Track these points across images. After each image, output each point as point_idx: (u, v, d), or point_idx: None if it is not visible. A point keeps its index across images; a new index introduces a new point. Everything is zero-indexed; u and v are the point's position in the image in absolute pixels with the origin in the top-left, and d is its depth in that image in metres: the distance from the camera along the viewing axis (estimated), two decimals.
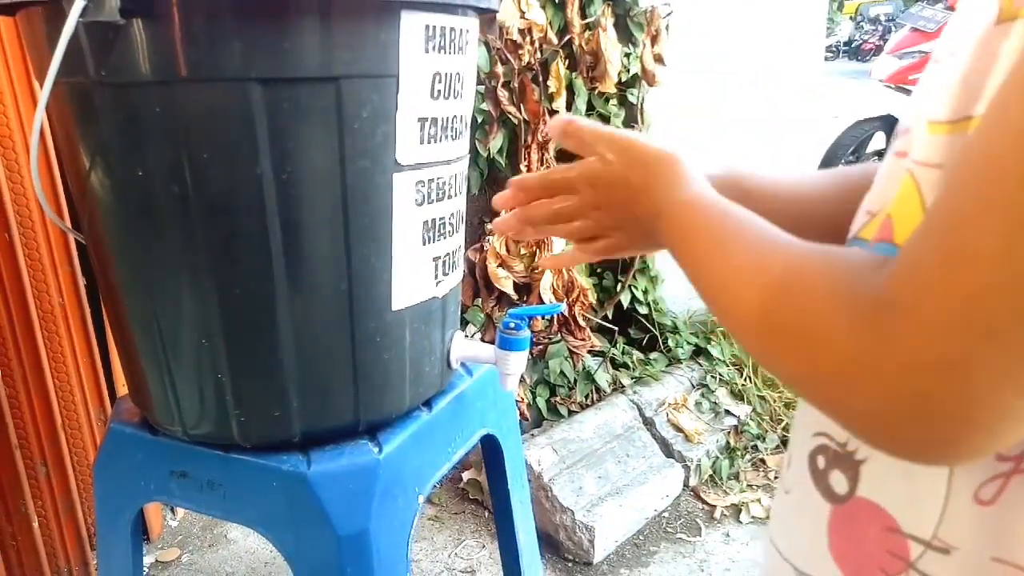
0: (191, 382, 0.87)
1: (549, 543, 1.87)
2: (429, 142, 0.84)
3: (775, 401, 2.37)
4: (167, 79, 0.72)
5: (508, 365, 1.01)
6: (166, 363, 0.87)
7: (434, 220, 0.89)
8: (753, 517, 2.02)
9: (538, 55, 1.88)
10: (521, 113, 1.90)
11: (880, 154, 3.73)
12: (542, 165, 1.97)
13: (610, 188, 0.55)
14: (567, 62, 1.97)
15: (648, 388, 2.27)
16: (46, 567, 1.60)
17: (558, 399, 2.14)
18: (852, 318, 0.34)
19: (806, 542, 0.48)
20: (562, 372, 2.13)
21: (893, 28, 10.72)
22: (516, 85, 1.87)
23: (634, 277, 2.31)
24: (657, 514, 2.03)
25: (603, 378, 2.22)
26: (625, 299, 2.32)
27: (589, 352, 2.20)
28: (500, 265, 1.96)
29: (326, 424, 0.90)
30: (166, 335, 0.86)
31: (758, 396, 2.37)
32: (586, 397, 2.18)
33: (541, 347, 2.13)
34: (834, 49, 13.72)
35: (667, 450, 2.13)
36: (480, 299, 2.01)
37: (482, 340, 1.94)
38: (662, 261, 2.38)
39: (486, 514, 1.99)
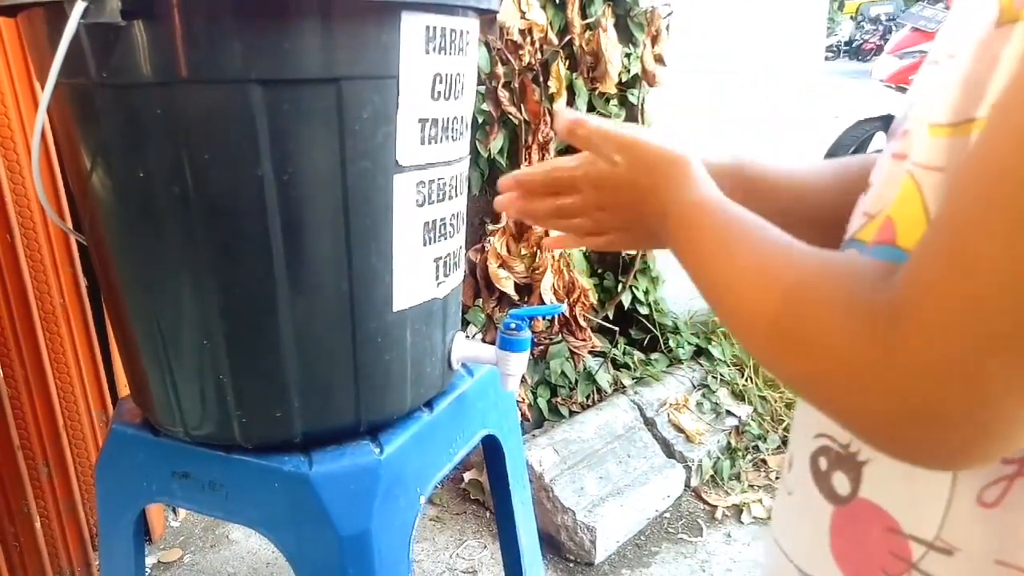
0: (192, 383, 0.88)
1: (550, 543, 1.87)
2: (430, 143, 0.84)
3: (776, 401, 2.37)
4: (168, 80, 0.72)
5: (509, 366, 1.01)
6: (168, 364, 0.87)
7: (435, 221, 0.89)
8: (754, 517, 2.02)
9: (539, 55, 1.88)
10: (522, 113, 1.90)
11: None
12: None
13: (617, 190, 0.55)
14: (567, 62, 1.98)
15: (649, 388, 2.27)
16: (48, 568, 1.60)
17: (559, 399, 2.14)
18: (863, 326, 0.34)
19: (807, 543, 0.48)
20: (563, 372, 2.13)
21: (894, 28, 10.72)
22: (517, 85, 1.87)
23: (635, 278, 2.31)
24: (658, 514, 2.03)
25: (604, 378, 2.22)
26: (626, 299, 2.32)
27: (590, 353, 2.20)
28: (501, 266, 1.96)
29: (327, 425, 0.90)
30: (167, 336, 0.86)
31: (759, 396, 2.37)
32: (587, 397, 2.18)
33: (542, 348, 2.13)
34: (835, 49, 13.72)
35: (668, 450, 2.13)
36: (481, 299, 2.01)
37: (483, 341, 1.94)
38: (663, 262, 2.38)
39: (487, 514, 1.99)
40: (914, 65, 5.00)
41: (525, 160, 1.95)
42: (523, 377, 1.58)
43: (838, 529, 0.45)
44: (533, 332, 1.91)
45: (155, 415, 0.95)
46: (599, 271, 2.32)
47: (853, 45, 13.89)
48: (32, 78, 1.41)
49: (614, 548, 1.89)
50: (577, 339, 2.15)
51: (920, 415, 0.32)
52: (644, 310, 2.37)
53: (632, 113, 2.14)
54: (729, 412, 2.29)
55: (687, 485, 2.12)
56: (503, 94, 1.85)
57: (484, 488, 2.01)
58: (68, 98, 0.79)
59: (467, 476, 2.06)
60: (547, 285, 2.01)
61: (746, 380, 2.39)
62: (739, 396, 2.36)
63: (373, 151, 0.79)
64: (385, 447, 0.91)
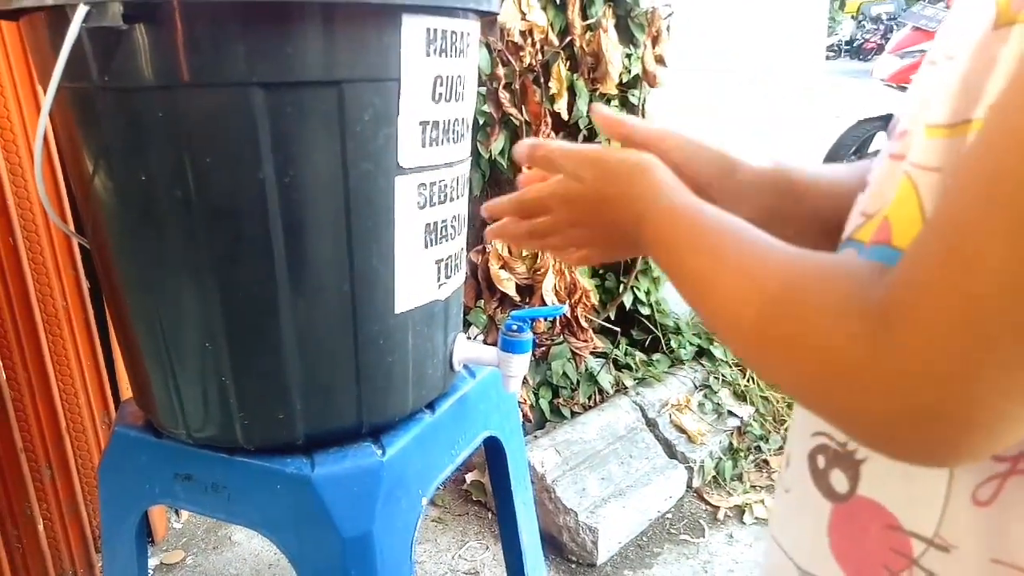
0: (195, 385, 0.88)
1: (552, 544, 1.87)
2: (431, 145, 0.84)
3: (778, 402, 2.37)
4: (170, 84, 0.72)
5: (511, 367, 1.01)
6: (170, 366, 0.87)
7: (436, 223, 0.89)
8: (757, 518, 2.02)
9: (539, 57, 1.88)
10: (523, 115, 1.90)
11: None
12: None
13: (587, 204, 0.55)
14: (568, 63, 1.98)
15: (651, 389, 2.27)
16: (51, 569, 1.60)
17: (561, 400, 2.14)
18: (856, 326, 0.34)
19: (808, 541, 0.48)
20: (565, 373, 2.13)
21: (895, 27, 10.71)
22: (517, 87, 1.87)
23: (636, 278, 2.31)
24: (660, 515, 2.02)
25: (606, 379, 2.22)
26: (627, 300, 2.32)
27: (592, 353, 2.20)
28: (502, 267, 1.97)
29: (329, 426, 0.90)
30: (170, 338, 0.86)
31: (761, 397, 2.37)
32: (589, 398, 2.18)
33: (544, 349, 2.13)
34: (836, 48, 13.71)
35: (670, 451, 2.13)
36: (482, 301, 2.01)
37: (485, 342, 1.94)
38: None
39: (489, 516, 1.99)
40: (915, 64, 5.00)
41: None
42: (525, 378, 1.58)
43: (837, 527, 0.45)
44: (535, 333, 1.91)
45: (157, 417, 0.95)
46: (600, 272, 2.32)
47: (854, 44, 13.88)
48: (34, 82, 1.42)
49: (616, 549, 1.89)
50: (579, 340, 2.15)
51: (917, 413, 0.32)
52: (646, 311, 2.37)
53: (633, 114, 2.14)
54: (731, 413, 2.29)
55: (689, 486, 2.12)
56: (504, 95, 1.85)
57: (486, 489, 2.01)
58: (70, 102, 0.79)
59: (469, 477, 2.06)
60: (549, 286, 2.01)
61: (748, 381, 2.39)
62: (741, 397, 2.36)
63: (374, 153, 0.79)
64: (387, 449, 0.91)
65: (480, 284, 2.00)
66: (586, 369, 2.19)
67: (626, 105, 2.14)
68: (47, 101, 0.73)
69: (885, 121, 4.24)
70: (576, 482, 1.91)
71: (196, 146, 0.75)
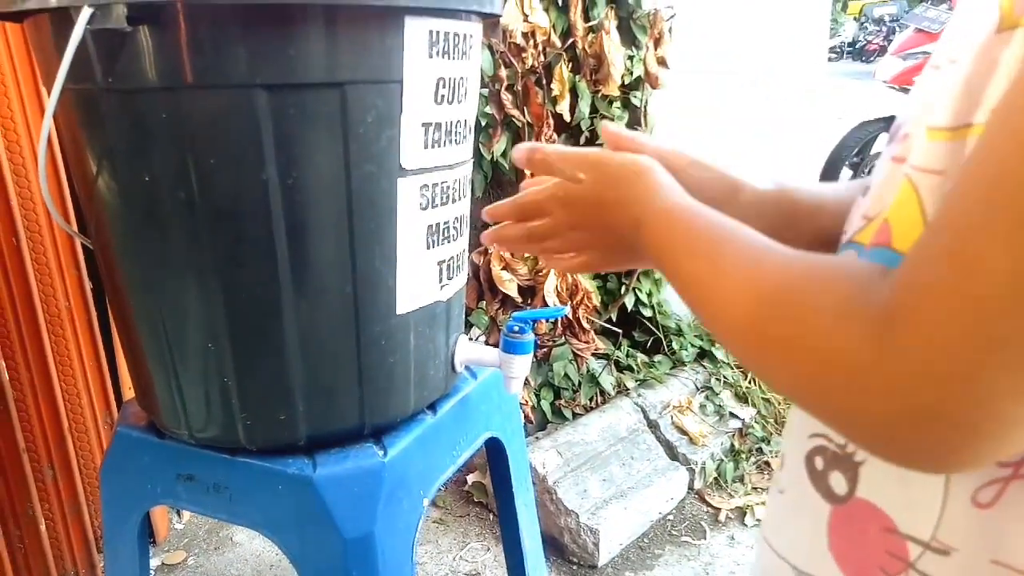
0: (197, 385, 0.88)
1: (554, 546, 1.87)
2: (433, 147, 0.84)
3: (779, 404, 2.36)
4: (173, 86, 0.72)
5: (512, 368, 1.01)
6: (172, 367, 0.88)
7: (438, 224, 0.89)
8: (758, 520, 2.02)
9: (542, 58, 1.88)
10: (525, 116, 1.91)
11: None
12: None
13: (585, 207, 0.55)
14: (570, 65, 1.98)
15: (652, 391, 2.27)
16: (53, 570, 1.60)
17: (562, 402, 2.14)
18: (856, 328, 0.34)
19: (806, 542, 0.48)
20: (566, 375, 2.13)
21: (897, 29, 10.70)
22: (520, 88, 1.88)
23: (638, 280, 2.31)
24: (662, 517, 2.02)
25: (607, 381, 2.22)
26: (629, 302, 2.32)
27: (593, 355, 2.20)
28: (504, 268, 1.97)
29: (331, 427, 0.90)
30: (172, 339, 0.86)
31: (762, 399, 2.37)
32: (590, 400, 2.18)
33: (545, 350, 2.13)
34: (838, 50, 13.70)
35: (672, 453, 2.12)
36: (484, 302, 2.01)
37: (486, 343, 1.94)
38: None
39: (491, 517, 1.99)
40: (918, 66, 4.99)
41: None
42: (526, 379, 1.58)
43: (836, 529, 0.45)
44: (536, 335, 1.91)
45: (160, 418, 0.95)
46: (602, 274, 2.32)
47: (856, 46, 13.87)
48: (38, 83, 1.42)
49: (617, 550, 1.89)
50: (580, 341, 2.15)
51: (917, 413, 0.32)
52: (647, 312, 2.37)
53: (635, 115, 2.14)
54: (732, 414, 2.29)
55: (690, 487, 2.12)
56: (506, 97, 1.85)
57: (487, 490, 2.01)
58: (74, 103, 0.79)
59: (470, 478, 2.06)
60: (550, 287, 2.01)
61: (749, 382, 2.39)
62: (742, 398, 2.36)
63: (377, 155, 0.80)
64: (389, 450, 0.91)
65: (482, 285, 2.00)
66: (588, 370, 2.19)
67: (628, 107, 2.14)
68: (51, 102, 0.74)
69: (887, 123, 4.24)
70: (577, 483, 1.91)
71: (199, 147, 0.75)
